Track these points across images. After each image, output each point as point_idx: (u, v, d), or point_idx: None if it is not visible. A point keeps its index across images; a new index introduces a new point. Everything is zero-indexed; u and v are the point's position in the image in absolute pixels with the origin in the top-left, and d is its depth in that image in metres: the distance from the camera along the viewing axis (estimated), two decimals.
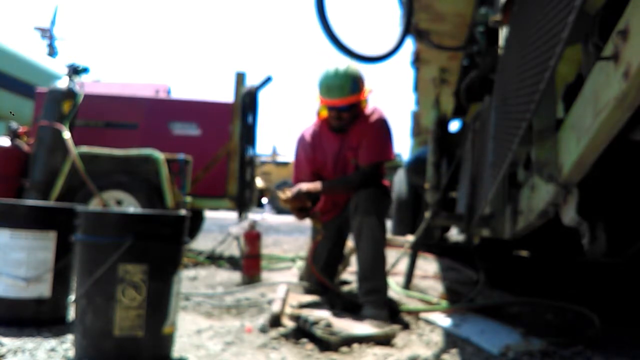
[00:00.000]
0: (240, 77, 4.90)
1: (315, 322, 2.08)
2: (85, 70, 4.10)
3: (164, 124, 4.82)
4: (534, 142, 1.57)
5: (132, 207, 3.94)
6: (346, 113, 2.72)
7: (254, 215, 6.50)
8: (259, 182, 2.84)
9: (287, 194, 2.67)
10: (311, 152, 2.92)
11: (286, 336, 2.13)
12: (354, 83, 2.67)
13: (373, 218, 2.58)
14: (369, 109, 2.81)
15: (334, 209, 2.96)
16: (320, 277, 2.81)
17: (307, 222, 2.88)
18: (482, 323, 2.46)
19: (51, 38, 19.87)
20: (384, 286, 2.60)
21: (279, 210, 15.33)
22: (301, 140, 2.98)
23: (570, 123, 1.40)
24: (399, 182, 6.72)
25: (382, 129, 2.78)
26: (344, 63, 2.69)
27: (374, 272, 2.57)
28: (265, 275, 3.77)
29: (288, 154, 17.67)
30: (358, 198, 2.63)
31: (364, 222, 2.58)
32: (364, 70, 2.76)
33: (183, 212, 2.53)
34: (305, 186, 2.69)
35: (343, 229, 2.96)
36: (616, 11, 1.11)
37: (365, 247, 2.58)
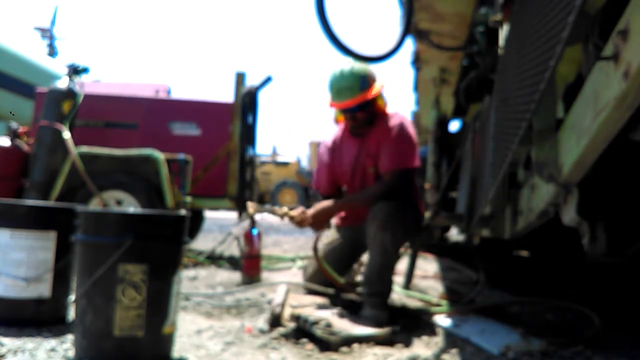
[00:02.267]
0: (240, 77, 4.89)
1: (315, 322, 2.08)
2: (85, 70, 4.10)
3: (164, 124, 4.81)
4: (534, 142, 1.57)
5: (132, 207, 3.94)
6: (360, 113, 2.67)
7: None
8: (251, 208, 2.78)
9: (298, 218, 2.62)
10: (329, 157, 2.88)
11: (286, 336, 2.13)
12: (362, 81, 2.62)
13: (388, 235, 2.46)
14: (389, 113, 2.73)
15: (352, 218, 2.89)
16: (324, 269, 2.75)
17: None
18: (482, 323, 2.46)
19: (51, 38, 19.89)
20: (387, 290, 2.56)
21: None
22: (324, 144, 2.94)
23: (570, 123, 1.40)
24: None
25: (401, 133, 2.65)
26: (348, 63, 2.64)
27: (379, 278, 2.52)
28: (265, 275, 3.77)
29: (288, 154, 17.68)
30: (376, 210, 2.51)
31: (377, 237, 2.49)
32: (373, 67, 2.68)
33: (183, 212, 2.53)
34: (324, 215, 2.64)
35: (358, 245, 2.84)
36: (616, 11, 1.11)
37: (375, 257, 2.53)
